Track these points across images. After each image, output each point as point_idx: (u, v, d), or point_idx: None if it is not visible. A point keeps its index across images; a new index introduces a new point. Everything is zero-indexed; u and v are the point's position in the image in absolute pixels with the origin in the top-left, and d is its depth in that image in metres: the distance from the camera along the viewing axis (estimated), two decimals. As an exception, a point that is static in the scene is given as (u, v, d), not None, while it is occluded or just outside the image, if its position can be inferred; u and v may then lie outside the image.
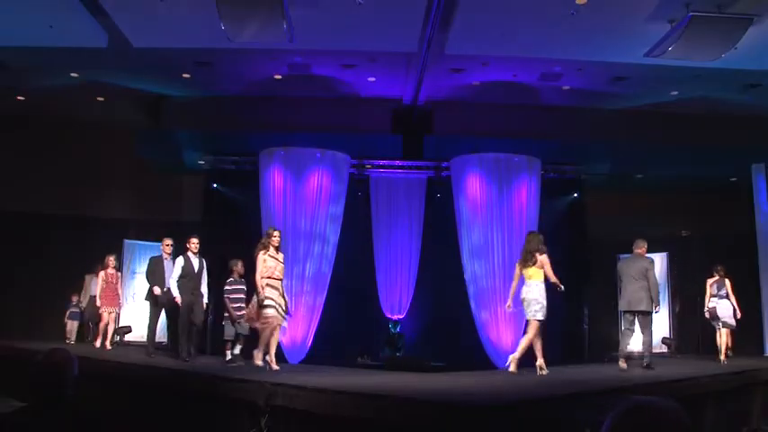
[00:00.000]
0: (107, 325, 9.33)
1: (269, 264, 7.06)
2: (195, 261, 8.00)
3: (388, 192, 11.51)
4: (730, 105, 10.05)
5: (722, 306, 8.63)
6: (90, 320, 10.56)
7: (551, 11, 7.12)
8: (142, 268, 11.32)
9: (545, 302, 6.56)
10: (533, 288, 6.56)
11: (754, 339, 10.40)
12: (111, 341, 9.48)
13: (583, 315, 11.83)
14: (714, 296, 8.71)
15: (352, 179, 11.12)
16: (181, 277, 7.85)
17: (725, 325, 8.60)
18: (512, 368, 6.54)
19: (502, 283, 10.24)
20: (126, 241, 11.55)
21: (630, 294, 7.15)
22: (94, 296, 10.25)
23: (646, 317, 7.17)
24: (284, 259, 7.48)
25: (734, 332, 8.79)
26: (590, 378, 6.63)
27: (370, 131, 10.96)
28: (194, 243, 8.02)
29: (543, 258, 6.56)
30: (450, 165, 11.04)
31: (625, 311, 7.30)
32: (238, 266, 8.49)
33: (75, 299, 10.96)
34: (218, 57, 8.89)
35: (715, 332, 8.85)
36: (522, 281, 6.76)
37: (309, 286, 10.24)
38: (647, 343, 7.17)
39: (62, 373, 2.50)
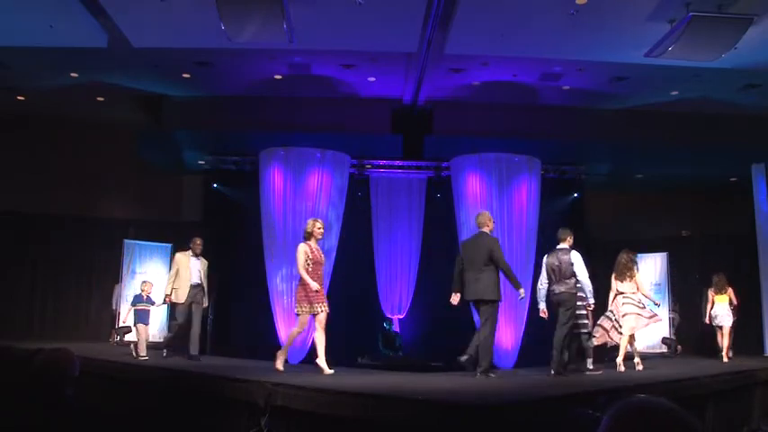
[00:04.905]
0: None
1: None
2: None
3: (388, 192, 11.50)
4: (730, 105, 10.03)
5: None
6: (201, 316, 8.29)
7: (551, 11, 7.11)
8: (142, 268, 11.33)
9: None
10: (724, 307, 9.23)
11: (754, 339, 10.40)
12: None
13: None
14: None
15: (352, 179, 11.10)
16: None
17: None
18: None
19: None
20: (126, 241, 11.54)
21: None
22: (200, 284, 8.15)
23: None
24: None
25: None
26: (590, 378, 6.65)
27: (370, 131, 10.93)
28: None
29: (730, 291, 9.27)
30: (451, 165, 11.03)
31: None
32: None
33: (146, 289, 8.35)
34: (218, 57, 8.88)
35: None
36: None
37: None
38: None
39: (63, 373, 2.50)
